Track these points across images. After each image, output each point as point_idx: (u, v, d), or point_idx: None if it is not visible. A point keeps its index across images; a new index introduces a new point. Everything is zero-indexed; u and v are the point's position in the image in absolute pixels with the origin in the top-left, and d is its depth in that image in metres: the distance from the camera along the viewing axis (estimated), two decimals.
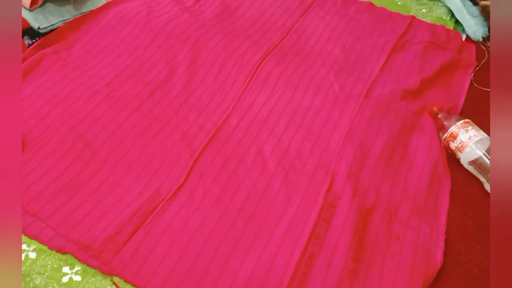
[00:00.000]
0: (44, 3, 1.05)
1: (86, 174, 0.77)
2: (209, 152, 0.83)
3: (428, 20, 1.20)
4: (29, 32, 1.02)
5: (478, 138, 0.82)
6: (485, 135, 0.83)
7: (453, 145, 0.84)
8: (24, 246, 0.68)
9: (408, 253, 0.71)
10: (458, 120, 0.86)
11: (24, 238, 0.69)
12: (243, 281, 0.66)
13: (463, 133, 0.83)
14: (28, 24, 1.01)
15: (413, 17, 1.19)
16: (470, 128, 0.84)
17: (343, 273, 0.68)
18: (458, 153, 0.83)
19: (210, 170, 0.80)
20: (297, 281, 0.66)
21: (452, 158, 0.86)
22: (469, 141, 0.82)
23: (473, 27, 1.14)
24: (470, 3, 1.19)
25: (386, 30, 1.14)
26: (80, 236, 0.68)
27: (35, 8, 1.04)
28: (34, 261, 0.66)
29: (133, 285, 0.65)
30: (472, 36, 1.14)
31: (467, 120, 0.86)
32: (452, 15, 1.21)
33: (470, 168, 0.83)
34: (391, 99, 0.95)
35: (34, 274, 0.65)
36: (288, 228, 0.72)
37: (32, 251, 0.67)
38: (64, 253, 0.67)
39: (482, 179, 0.81)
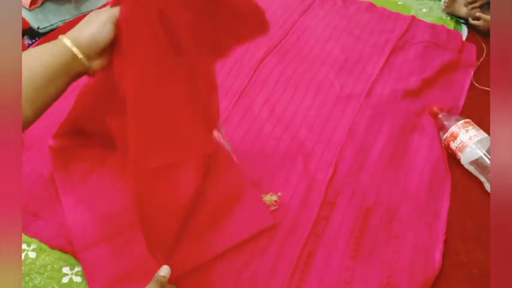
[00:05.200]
0: (43, 2, 1.05)
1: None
2: None
3: (428, 19, 1.20)
4: (29, 32, 1.02)
5: (478, 138, 0.82)
6: (485, 135, 0.83)
7: (453, 145, 0.84)
8: (24, 246, 0.68)
9: (407, 253, 0.71)
10: (459, 120, 0.85)
11: (24, 237, 0.68)
12: (247, 280, 0.66)
13: (463, 133, 0.83)
14: (28, 24, 1.01)
15: (413, 17, 1.19)
16: (470, 128, 0.84)
17: (341, 272, 0.68)
18: (459, 153, 0.83)
19: None
20: (295, 279, 0.66)
21: (452, 158, 0.86)
22: (469, 141, 0.82)
23: None
24: None
25: (386, 30, 1.14)
26: None
27: (35, 8, 1.03)
28: (34, 261, 0.66)
29: None
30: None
31: (467, 120, 0.86)
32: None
33: (471, 168, 0.83)
34: (391, 99, 0.95)
35: (34, 274, 0.65)
36: (289, 227, 0.72)
37: (32, 250, 0.67)
38: (67, 252, 0.67)
39: (482, 179, 0.81)
